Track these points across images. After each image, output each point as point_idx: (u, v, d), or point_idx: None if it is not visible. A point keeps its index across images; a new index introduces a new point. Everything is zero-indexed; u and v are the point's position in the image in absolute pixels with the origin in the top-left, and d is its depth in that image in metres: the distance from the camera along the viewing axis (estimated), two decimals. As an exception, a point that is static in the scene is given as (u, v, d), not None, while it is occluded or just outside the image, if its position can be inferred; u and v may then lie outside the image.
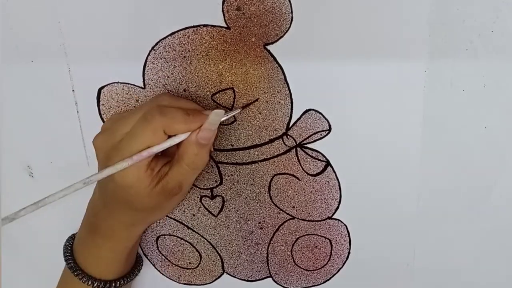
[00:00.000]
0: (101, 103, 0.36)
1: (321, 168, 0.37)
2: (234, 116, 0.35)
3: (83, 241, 0.37)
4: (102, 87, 0.36)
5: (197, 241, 0.40)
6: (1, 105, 0.38)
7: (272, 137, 0.36)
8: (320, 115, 0.35)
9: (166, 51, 0.34)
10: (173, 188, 0.33)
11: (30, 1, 0.34)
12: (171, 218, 0.40)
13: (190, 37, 0.34)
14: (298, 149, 0.36)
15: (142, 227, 0.38)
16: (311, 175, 0.37)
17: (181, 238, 0.40)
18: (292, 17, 0.32)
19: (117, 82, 0.35)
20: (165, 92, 0.35)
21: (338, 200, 0.38)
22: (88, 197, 0.37)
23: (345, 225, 0.38)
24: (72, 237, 0.39)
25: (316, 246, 0.39)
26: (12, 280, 0.43)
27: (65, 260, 0.37)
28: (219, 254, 0.40)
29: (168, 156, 0.34)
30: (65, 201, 0.40)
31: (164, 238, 0.40)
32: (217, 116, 0.32)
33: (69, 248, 0.38)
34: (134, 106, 0.36)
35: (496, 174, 0.36)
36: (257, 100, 0.35)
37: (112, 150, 0.32)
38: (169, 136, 0.32)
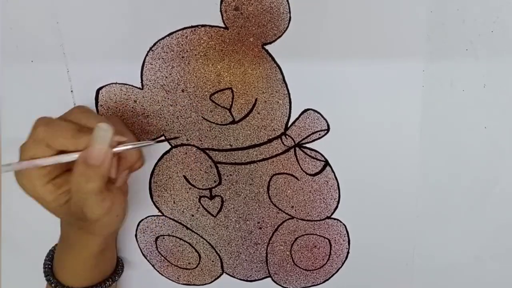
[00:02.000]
0: (99, 103, 0.36)
1: (319, 168, 0.37)
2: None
3: (58, 248, 0.37)
4: (100, 88, 0.36)
5: (196, 242, 0.40)
6: (1, 105, 0.38)
7: (270, 137, 0.36)
8: (319, 115, 0.35)
9: (164, 52, 0.34)
10: (76, 214, 0.31)
11: (30, 1, 0.34)
12: (170, 218, 0.40)
13: (188, 37, 0.34)
14: (297, 148, 0.36)
15: (96, 236, 0.34)
16: (310, 174, 0.37)
17: (180, 239, 0.40)
18: (290, 17, 0.32)
19: (115, 83, 0.35)
20: (80, 106, 0.33)
21: (337, 200, 0.38)
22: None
23: (344, 224, 0.38)
24: (53, 249, 0.38)
25: (315, 246, 0.39)
26: (12, 280, 0.43)
27: (43, 266, 0.37)
28: (218, 254, 0.40)
29: None
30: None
31: (163, 238, 0.41)
32: (102, 131, 0.29)
33: (50, 255, 0.37)
34: (132, 107, 0.36)
35: (496, 174, 0.36)
36: (176, 137, 0.35)
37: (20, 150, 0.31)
38: (62, 152, 0.30)
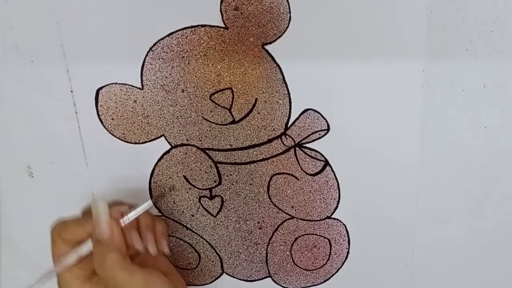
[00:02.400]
0: (99, 104, 0.36)
1: (319, 168, 0.37)
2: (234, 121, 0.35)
3: None
4: (100, 88, 0.36)
5: (196, 242, 0.40)
6: (1, 105, 0.38)
7: (270, 137, 0.36)
8: (319, 115, 0.35)
9: (164, 52, 0.34)
10: None
11: (30, 1, 0.34)
12: (169, 218, 0.40)
13: (188, 38, 0.34)
14: (297, 148, 0.36)
15: None
16: (310, 174, 0.37)
17: (180, 239, 0.40)
18: (290, 17, 0.32)
19: (115, 83, 0.35)
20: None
21: (337, 200, 0.38)
22: (85, 192, 0.37)
23: (344, 224, 0.38)
24: None
25: (315, 246, 0.39)
26: (12, 280, 0.43)
27: None
28: (218, 254, 0.40)
29: None
30: (64, 201, 0.40)
31: (164, 238, 0.41)
32: (97, 203, 0.31)
33: None
34: (132, 107, 0.36)
35: (496, 174, 0.36)
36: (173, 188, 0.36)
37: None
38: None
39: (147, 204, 0.34)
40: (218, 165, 0.37)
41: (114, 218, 0.32)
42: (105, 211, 0.31)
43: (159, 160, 0.37)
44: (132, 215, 0.33)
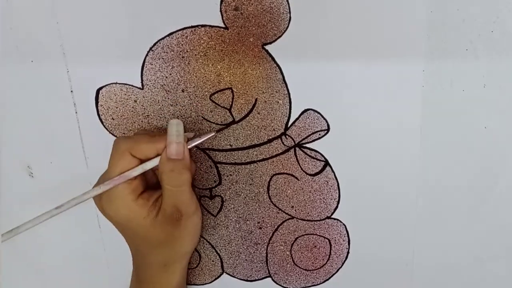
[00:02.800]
0: (99, 103, 0.36)
1: (319, 168, 0.37)
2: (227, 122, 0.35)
3: None
4: (100, 88, 0.36)
5: (196, 241, 0.40)
6: (1, 105, 0.38)
7: (270, 137, 0.36)
8: (319, 115, 0.35)
9: (164, 52, 0.34)
10: (171, 214, 0.32)
11: (30, 1, 0.34)
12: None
13: (188, 38, 0.34)
14: (297, 148, 0.36)
15: (176, 266, 0.36)
16: (310, 174, 0.37)
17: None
18: (290, 17, 0.32)
19: (115, 83, 0.35)
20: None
21: (337, 200, 0.38)
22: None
23: (344, 224, 0.38)
24: None
25: (315, 246, 0.39)
26: (12, 280, 0.43)
27: None
28: (218, 254, 0.40)
29: None
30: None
31: (164, 237, 0.41)
32: (174, 126, 0.32)
33: None
34: (133, 107, 0.36)
35: (496, 174, 0.36)
36: (232, 123, 0.35)
37: (99, 180, 0.34)
38: (144, 162, 0.32)
39: (211, 134, 0.34)
40: (218, 165, 0.37)
41: (184, 142, 0.33)
42: (182, 134, 0.32)
43: (159, 160, 0.37)
44: (197, 142, 0.34)
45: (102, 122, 0.37)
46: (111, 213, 0.33)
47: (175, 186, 0.32)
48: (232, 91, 0.35)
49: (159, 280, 0.35)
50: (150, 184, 0.35)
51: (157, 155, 0.32)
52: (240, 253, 0.40)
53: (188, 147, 0.33)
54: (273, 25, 0.33)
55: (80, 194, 0.33)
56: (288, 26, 0.33)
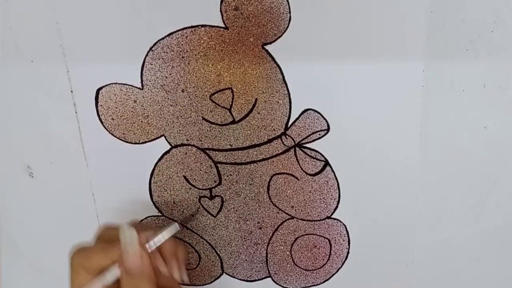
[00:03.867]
0: (99, 104, 0.36)
1: (319, 168, 0.37)
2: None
3: None
4: (100, 88, 0.36)
5: (196, 242, 0.40)
6: (1, 105, 0.38)
7: (270, 137, 0.36)
8: (319, 115, 0.35)
9: (164, 52, 0.34)
10: None
11: (30, 1, 0.34)
12: (169, 218, 0.40)
13: (188, 38, 0.34)
14: (297, 148, 0.36)
15: None
16: (310, 174, 0.37)
17: (180, 239, 0.40)
18: (290, 17, 0.32)
19: (115, 83, 0.35)
20: (104, 224, 0.34)
21: (337, 200, 0.38)
22: (85, 192, 0.37)
23: (344, 224, 0.38)
24: None
25: (315, 246, 0.39)
26: (12, 280, 0.43)
27: None
28: (218, 255, 0.40)
29: None
30: (64, 201, 0.40)
31: (164, 238, 0.41)
32: (126, 233, 0.30)
33: None
34: (132, 107, 0.36)
35: (496, 174, 0.36)
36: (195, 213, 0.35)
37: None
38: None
39: (174, 227, 0.32)
40: (218, 165, 0.37)
41: (142, 245, 0.30)
42: (135, 240, 0.30)
43: (159, 160, 0.37)
44: (158, 240, 0.31)
45: (102, 122, 0.37)
46: None
47: None
48: (232, 91, 0.35)
49: None
50: None
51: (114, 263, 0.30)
52: (240, 253, 0.40)
53: (150, 250, 0.31)
54: (273, 25, 0.33)
55: None
56: (288, 26, 0.33)
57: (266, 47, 0.33)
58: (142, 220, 0.40)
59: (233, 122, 0.36)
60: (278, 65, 0.34)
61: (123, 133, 0.37)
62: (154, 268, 0.31)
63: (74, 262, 0.30)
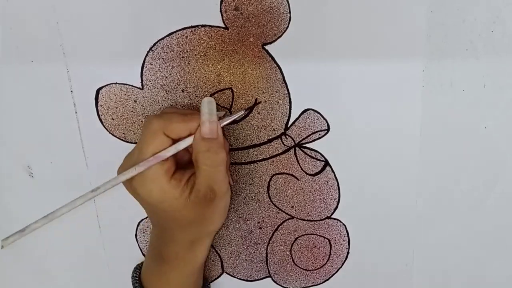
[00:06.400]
0: (99, 103, 0.36)
1: (319, 168, 0.37)
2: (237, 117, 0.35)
3: (151, 270, 0.36)
4: (100, 88, 0.36)
5: (196, 241, 0.40)
6: (1, 105, 0.38)
7: (270, 137, 0.36)
8: (319, 115, 0.35)
9: (164, 52, 0.34)
10: (205, 194, 0.31)
11: (30, 1, 0.34)
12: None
13: (188, 38, 0.34)
14: (297, 148, 0.36)
15: (203, 244, 0.35)
16: (310, 174, 0.37)
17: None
18: (290, 17, 0.32)
19: (115, 83, 0.35)
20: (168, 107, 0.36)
21: (337, 200, 0.38)
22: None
23: (344, 224, 0.38)
24: (138, 267, 0.38)
25: (315, 246, 0.39)
26: (12, 280, 0.43)
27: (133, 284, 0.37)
28: (218, 254, 0.40)
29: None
30: (64, 201, 0.40)
31: (164, 237, 0.41)
32: (208, 104, 0.31)
33: (137, 278, 0.37)
34: (132, 107, 0.36)
35: (496, 174, 0.36)
36: (259, 102, 0.35)
37: (126, 161, 0.33)
38: (176, 142, 0.32)
39: (241, 113, 0.34)
40: (218, 165, 0.37)
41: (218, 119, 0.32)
42: (215, 112, 0.32)
43: (159, 160, 0.37)
44: (228, 120, 0.33)
45: (102, 122, 0.37)
46: (144, 195, 0.32)
47: (211, 166, 0.31)
48: (232, 91, 0.35)
49: (185, 257, 0.35)
50: (181, 163, 0.34)
51: (190, 134, 0.32)
52: (240, 253, 0.40)
53: (221, 125, 0.32)
54: (273, 25, 0.33)
55: (113, 177, 0.32)
56: (288, 26, 0.33)
57: (266, 47, 0.33)
58: (142, 220, 0.40)
59: (233, 122, 0.36)
60: (278, 65, 0.34)
61: (123, 133, 0.37)
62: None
63: (155, 125, 0.31)
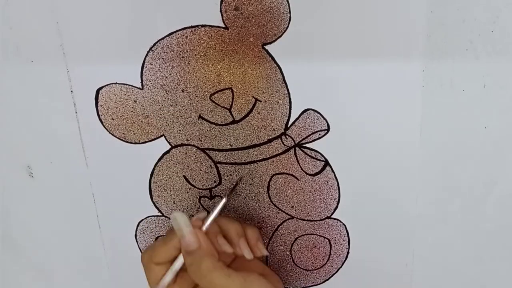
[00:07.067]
0: (99, 104, 0.36)
1: (319, 168, 0.37)
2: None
3: None
4: (100, 88, 0.36)
5: (196, 241, 0.40)
6: (1, 105, 0.38)
7: (270, 137, 0.36)
8: (319, 115, 0.35)
9: (164, 52, 0.34)
10: None
11: (30, 1, 0.34)
12: (170, 218, 0.40)
13: (188, 38, 0.34)
14: (297, 148, 0.36)
15: None
16: (310, 174, 0.37)
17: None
18: (290, 17, 0.32)
19: (115, 83, 0.35)
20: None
21: (337, 200, 0.38)
22: (85, 192, 0.37)
23: (344, 224, 0.38)
24: None
25: (315, 246, 0.39)
26: (12, 280, 0.43)
27: None
28: (218, 254, 0.41)
29: None
30: (64, 201, 0.40)
31: (164, 237, 0.41)
32: (179, 218, 0.32)
33: None
34: (132, 107, 0.36)
35: (496, 174, 0.36)
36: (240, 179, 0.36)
37: None
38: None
39: (222, 202, 0.34)
40: (218, 165, 0.37)
41: (197, 227, 0.32)
42: (186, 223, 0.32)
43: (159, 160, 0.37)
44: (211, 217, 0.33)
45: (102, 122, 0.37)
46: None
47: (200, 279, 0.31)
48: (232, 91, 0.35)
49: None
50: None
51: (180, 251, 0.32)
52: (240, 253, 0.40)
53: (206, 225, 0.33)
54: (273, 25, 0.33)
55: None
56: (288, 26, 0.33)
57: (266, 47, 0.33)
58: (142, 220, 0.40)
59: (233, 122, 0.36)
60: (278, 65, 0.34)
61: (123, 133, 0.37)
62: (221, 253, 0.33)
63: (145, 260, 0.32)
